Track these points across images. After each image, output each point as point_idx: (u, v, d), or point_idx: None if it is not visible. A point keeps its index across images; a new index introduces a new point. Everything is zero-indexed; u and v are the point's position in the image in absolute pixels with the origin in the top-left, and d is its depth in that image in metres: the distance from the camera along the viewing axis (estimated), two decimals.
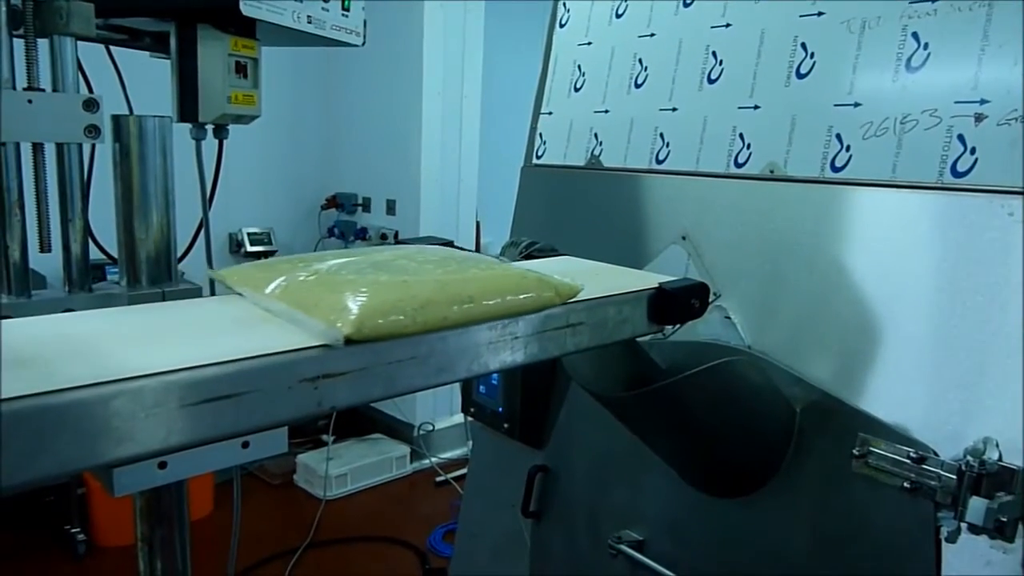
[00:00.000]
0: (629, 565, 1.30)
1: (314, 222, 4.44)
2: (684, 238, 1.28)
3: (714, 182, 1.26)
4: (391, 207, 4.15)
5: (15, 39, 0.95)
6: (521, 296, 0.72)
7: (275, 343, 0.59)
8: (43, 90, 0.95)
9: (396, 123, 4.03)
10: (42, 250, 1.00)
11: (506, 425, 1.56)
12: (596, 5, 1.54)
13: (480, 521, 1.73)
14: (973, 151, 0.95)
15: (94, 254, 1.10)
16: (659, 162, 1.37)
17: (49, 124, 0.93)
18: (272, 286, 0.69)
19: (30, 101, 0.91)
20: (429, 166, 3.98)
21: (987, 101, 0.95)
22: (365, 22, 1.22)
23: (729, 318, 1.19)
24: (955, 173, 0.97)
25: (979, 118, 0.95)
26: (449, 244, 1.36)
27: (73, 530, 3.03)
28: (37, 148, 0.96)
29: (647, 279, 0.89)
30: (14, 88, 0.93)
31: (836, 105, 1.11)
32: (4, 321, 0.64)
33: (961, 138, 0.97)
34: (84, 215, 1.03)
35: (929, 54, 1.02)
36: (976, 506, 0.87)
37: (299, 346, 0.59)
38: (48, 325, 0.67)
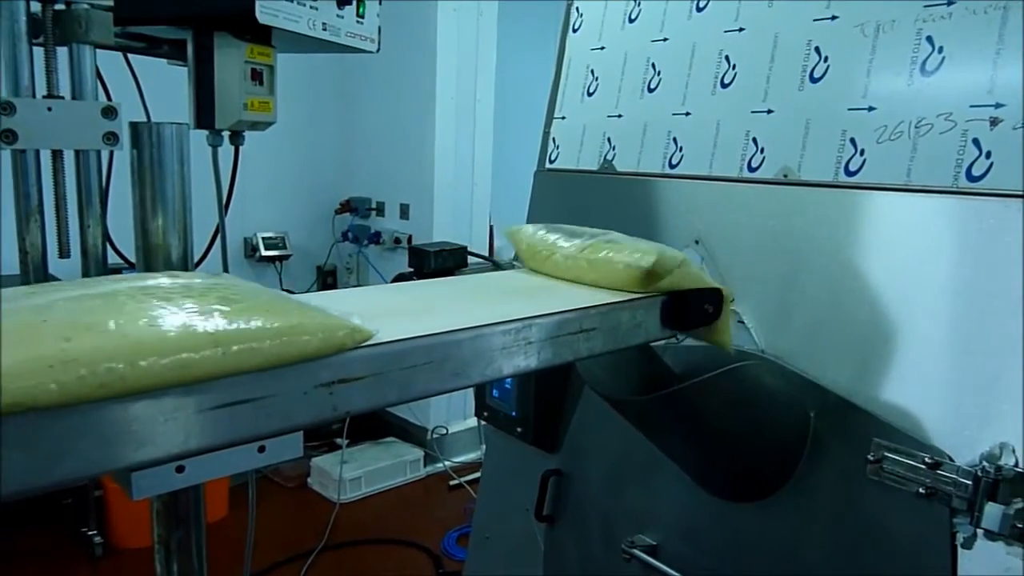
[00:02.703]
0: (643, 569, 1.29)
1: (328, 226, 4.46)
2: (697, 242, 1.28)
3: (727, 186, 1.26)
4: (405, 211, 4.16)
5: (35, 47, 0.96)
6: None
7: (577, 301, 0.81)
8: (63, 98, 0.96)
9: (409, 127, 4.04)
10: (61, 255, 1.01)
11: (520, 429, 1.57)
12: (609, 9, 1.55)
13: (494, 525, 1.73)
14: (988, 155, 0.95)
15: (111, 258, 1.11)
16: (672, 166, 1.37)
17: (68, 131, 0.94)
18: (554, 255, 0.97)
19: (50, 109, 0.92)
20: (442, 170, 3.99)
21: (1002, 105, 0.94)
22: (380, 29, 1.23)
23: (743, 322, 1.18)
24: (970, 177, 0.96)
25: (994, 122, 0.95)
26: (463, 249, 1.37)
27: (90, 532, 3.05)
28: (57, 155, 0.97)
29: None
30: (34, 96, 0.95)
31: (850, 109, 1.10)
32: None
33: (976, 142, 0.96)
34: (102, 220, 1.04)
35: (944, 57, 1.01)
36: (992, 512, 0.86)
37: (598, 302, 0.81)
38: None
